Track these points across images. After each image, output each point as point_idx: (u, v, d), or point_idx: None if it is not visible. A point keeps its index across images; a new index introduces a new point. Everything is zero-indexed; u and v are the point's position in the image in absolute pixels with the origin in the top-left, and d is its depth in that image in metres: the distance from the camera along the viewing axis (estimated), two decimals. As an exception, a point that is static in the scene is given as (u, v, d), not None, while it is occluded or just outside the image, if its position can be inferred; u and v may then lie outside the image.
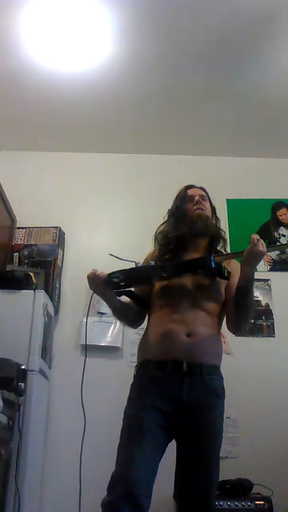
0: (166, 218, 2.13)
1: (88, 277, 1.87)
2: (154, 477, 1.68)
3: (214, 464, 1.75)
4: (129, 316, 2.01)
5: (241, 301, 1.85)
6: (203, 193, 2.12)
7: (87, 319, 1.98)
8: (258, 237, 1.78)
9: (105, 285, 1.84)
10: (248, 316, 1.93)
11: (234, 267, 1.97)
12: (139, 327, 2.08)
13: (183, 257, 1.96)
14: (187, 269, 1.84)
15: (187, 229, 1.99)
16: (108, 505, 1.59)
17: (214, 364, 1.86)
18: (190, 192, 2.10)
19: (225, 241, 2.10)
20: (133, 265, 1.88)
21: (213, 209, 2.13)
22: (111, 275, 1.84)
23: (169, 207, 2.15)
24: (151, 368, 1.83)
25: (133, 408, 1.79)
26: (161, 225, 2.12)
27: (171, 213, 2.12)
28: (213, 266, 1.78)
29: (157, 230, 2.12)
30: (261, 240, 1.78)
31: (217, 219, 2.14)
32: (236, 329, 1.95)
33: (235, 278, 1.88)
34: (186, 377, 1.78)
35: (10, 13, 2.79)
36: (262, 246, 1.76)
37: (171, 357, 1.80)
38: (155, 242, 2.10)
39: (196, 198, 2.06)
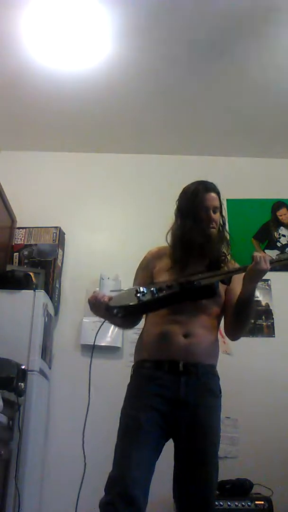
0: (176, 213, 2.04)
1: (89, 301, 1.85)
2: (151, 476, 1.68)
3: (213, 464, 1.75)
4: (126, 322, 2.01)
5: (240, 313, 1.87)
6: (217, 203, 2.00)
7: (103, 322, 1.97)
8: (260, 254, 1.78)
9: (105, 312, 1.83)
10: (246, 327, 1.95)
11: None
12: (137, 326, 2.08)
13: (189, 264, 1.92)
14: (188, 299, 1.82)
15: (194, 242, 1.94)
16: (105, 505, 1.60)
17: (210, 363, 1.86)
18: (207, 201, 1.97)
19: (229, 244, 2.05)
20: (131, 288, 1.86)
21: (221, 211, 2.03)
22: (112, 308, 1.80)
23: (174, 202, 2.07)
24: (148, 368, 1.84)
25: (130, 408, 1.80)
26: (174, 224, 2.04)
27: (182, 213, 2.01)
28: (215, 294, 1.80)
29: (170, 230, 2.04)
30: (264, 257, 1.77)
31: (224, 221, 2.06)
32: (233, 336, 1.96)
33: (237, 284, 1.89)
34: (183, 377, 1.78)
35: (10, 13, 2.79)
36: (265, 263, 1.76)
37: (168, 357, 1.81)
38: (166, 240, 2.04)
39: (210, 214, 1.96)
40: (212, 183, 2.05)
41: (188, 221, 1.97)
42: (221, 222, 2.03)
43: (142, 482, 1.64)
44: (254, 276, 1.78)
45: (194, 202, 1.98)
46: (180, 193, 2.07)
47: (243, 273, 1.96)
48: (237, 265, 2.01)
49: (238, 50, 3.07)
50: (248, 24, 2.87)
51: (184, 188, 2.07)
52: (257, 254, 1.77)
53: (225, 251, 2.02)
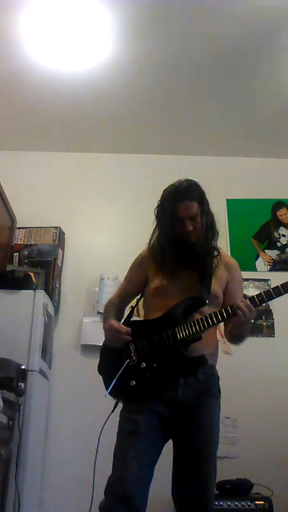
0: (154, 222, 1.99)
1: (110, 330, 1.86)
2: (150, 478, 1.68)
3: (211, 464, 1.75)
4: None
5: (235, 340, 1.94)
6: (192, 210, 1.86)
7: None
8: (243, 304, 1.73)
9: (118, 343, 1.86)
10: (242, 343, 1.97)
11: (232, 270, 1.98)
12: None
13: (182, 271, 1.90)
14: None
15: (175, 253, 1.90)
16: (105, 508, 1.60)
17: (210, 364, 1.84)
18: (178, 213, 1.86)
19: (217, 237, 1.98)
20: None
21: (203, 210, 1.91)
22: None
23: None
24: None
25: (129, 411, 1.79)
26: (154, 232, 2.01)
27: (159, 225, 1.97)
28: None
29: (151, 240, 2.01)
30: (248, 306, 1.72)
31: (210, 218, 1.95)
32: (232, 344, 2.00)
33: (237, 285, 1.89)
34: (181, 377, 1.78)
35: (10, 13, 2.79)
36: (251, 313, 1.73)
37: None
38: (150, 251, 2.01)
39: (185, 224, 1.86)
40: (187, 186, 1.91)
41: (164, 235, 1.93)
42: (205, 221, 1.91)
43: (141, 484, 1.64)
44: (246, 324, 1.80)
45: (167, 215, 1.90)
46: (159, 200, 1.97)
47: (239, 272, 1.99)
48: (233, 268, 2.00)
49: (239, 52, 3.07)
50: (251, 27, 2.88)
51: (162, 194, 1.96)
52: (241, 308, 1.71)
53: (215, 251, 1.97)
